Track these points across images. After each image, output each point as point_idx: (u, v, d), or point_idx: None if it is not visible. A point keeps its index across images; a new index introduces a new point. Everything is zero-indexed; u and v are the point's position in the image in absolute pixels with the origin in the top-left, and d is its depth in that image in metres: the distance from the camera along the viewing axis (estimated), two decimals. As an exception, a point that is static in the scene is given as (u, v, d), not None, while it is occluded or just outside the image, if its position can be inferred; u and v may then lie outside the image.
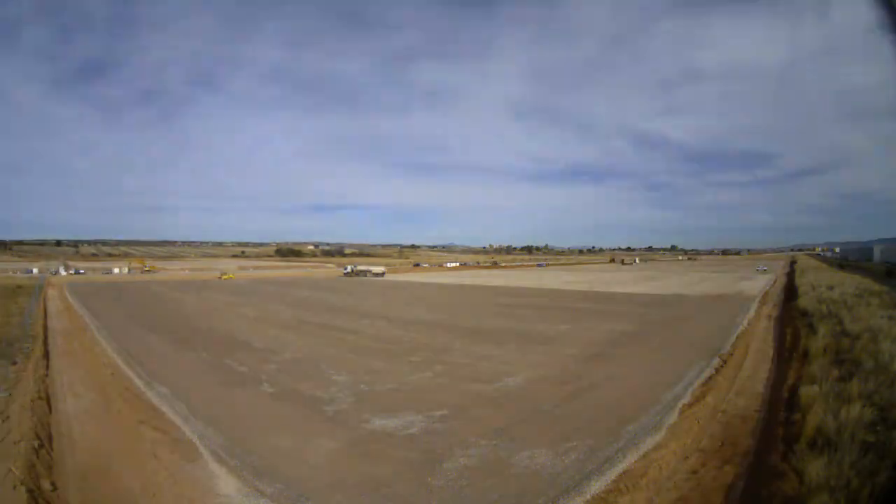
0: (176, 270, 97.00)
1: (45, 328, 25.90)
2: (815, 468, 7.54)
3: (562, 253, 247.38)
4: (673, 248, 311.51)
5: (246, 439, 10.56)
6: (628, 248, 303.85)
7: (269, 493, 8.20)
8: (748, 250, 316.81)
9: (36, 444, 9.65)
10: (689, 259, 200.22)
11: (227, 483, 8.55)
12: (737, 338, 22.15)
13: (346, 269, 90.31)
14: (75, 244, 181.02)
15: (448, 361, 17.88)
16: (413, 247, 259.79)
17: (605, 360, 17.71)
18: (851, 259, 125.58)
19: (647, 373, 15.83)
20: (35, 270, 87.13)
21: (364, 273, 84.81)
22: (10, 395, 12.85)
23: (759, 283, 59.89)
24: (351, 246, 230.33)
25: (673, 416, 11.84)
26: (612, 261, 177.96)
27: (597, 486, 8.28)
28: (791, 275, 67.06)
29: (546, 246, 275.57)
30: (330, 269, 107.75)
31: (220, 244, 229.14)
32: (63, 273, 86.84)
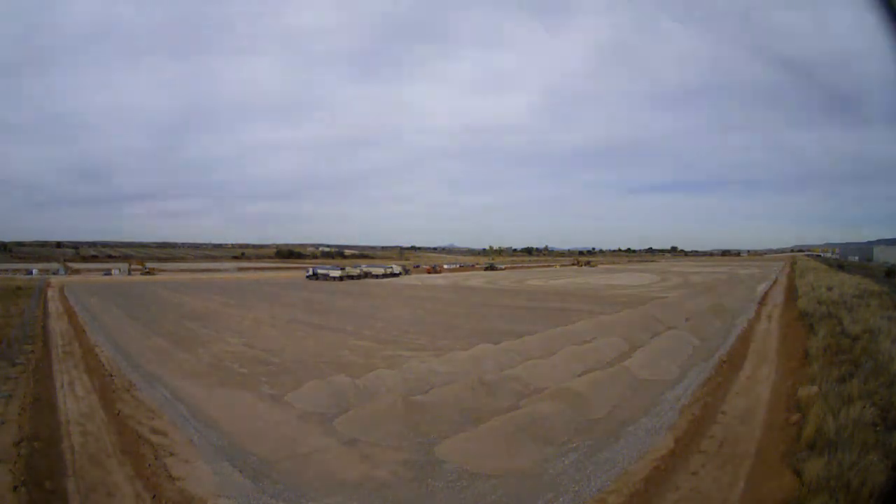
0: (175, 272, 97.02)
1: (45, 329, 25.88)
2: (815, 469, 7.55)
3: (562, 255, 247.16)
4: (673, 248, 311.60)
5: (245, 441, 10.59)
6: (628, 250, 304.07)
7: (270, 492, 8.24)
8: (748, 251, 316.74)
9: (36, 445, 9.66)
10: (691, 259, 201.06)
11: (229, 484, 8.57)
12: (736, 339, 22.20)
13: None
14: (75, 245, 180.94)
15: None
16: (413, 248, 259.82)
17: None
18: (851, 260, 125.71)
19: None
20: (35, 271, 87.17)
21: (365, 275, 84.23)
22: (11, 396, 12.85)
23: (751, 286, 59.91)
24: (351, 247, 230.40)
25: (673, 416, 11.87)
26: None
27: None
28: (791, 276, 67.06)
29: (546, 247, 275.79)
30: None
31: (219, 245, 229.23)
32: (63, 274, 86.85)
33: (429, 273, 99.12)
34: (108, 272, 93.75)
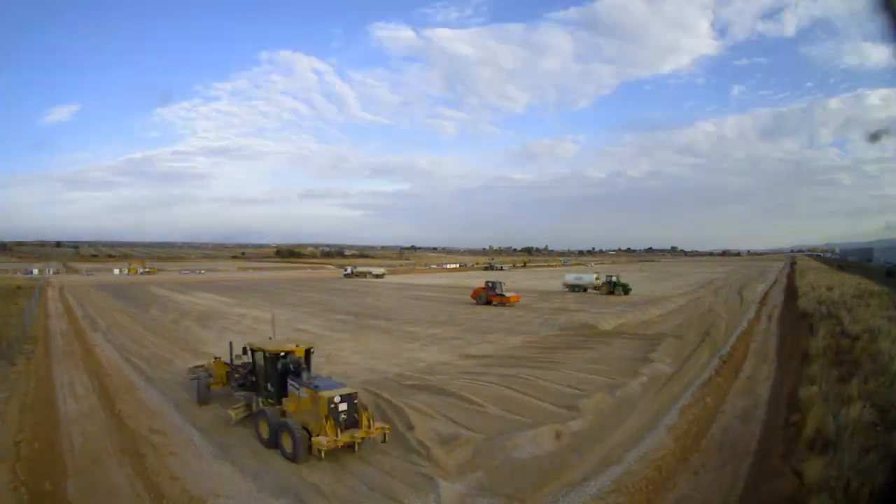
0: (175, 272, 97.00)
1: (45, 329, 25.86)
2: (815, 469, 7.54)
3: (562, 255, 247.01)
4: (673, 249, 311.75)
5: (241, 440, 10.60)
6: (628, 250, 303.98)
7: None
8: (748, 251, 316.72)
9: (36, 445, 9.66)
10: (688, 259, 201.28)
11: (234, 481, 8.58)
12: (737, 339, 22.19)
13: (346, 269, 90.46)
14: (75, 245, 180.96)
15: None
16: (413, 248, 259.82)
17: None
18: (851, 260, 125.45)
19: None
20: (35, 271, 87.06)
21: (364, 274, 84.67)
22: (11, 395, 12.83)
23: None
24: (350, 247, 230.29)
25: (673, 416, 11.86)
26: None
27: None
28: (791, 276, 66.93)
29: (546, 247, 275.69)
30: (330, 271, 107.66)
31: (220, 245, 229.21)
32: (63, 274, 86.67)
33: (427, 273, 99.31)
34: (108, 271, 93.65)
